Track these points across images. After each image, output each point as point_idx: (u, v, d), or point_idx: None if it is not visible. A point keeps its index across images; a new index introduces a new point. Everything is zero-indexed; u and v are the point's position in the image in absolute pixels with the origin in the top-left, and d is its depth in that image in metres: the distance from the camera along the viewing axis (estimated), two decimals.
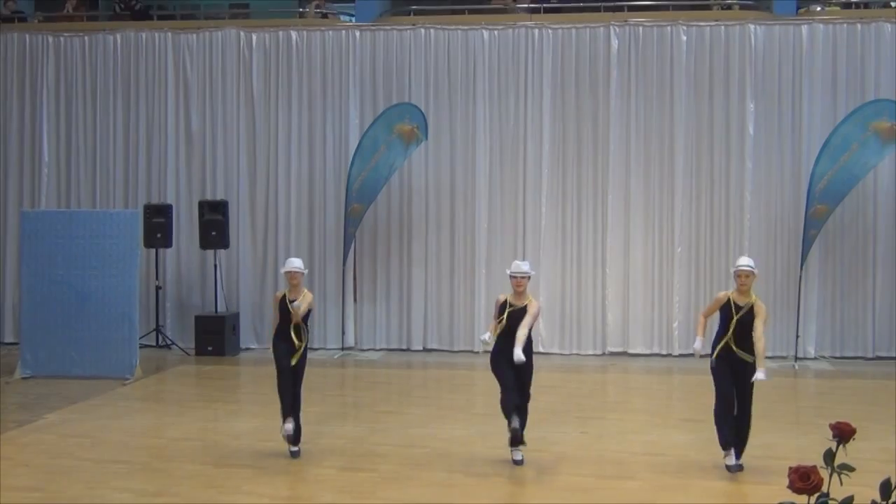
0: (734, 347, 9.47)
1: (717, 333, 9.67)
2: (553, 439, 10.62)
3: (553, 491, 9.10)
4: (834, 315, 16.26)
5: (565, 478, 9.48)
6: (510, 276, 9.94)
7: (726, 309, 9.61)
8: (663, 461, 10.00)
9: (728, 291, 9.82)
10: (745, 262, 9.84)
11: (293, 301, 10.15)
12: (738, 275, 9.64)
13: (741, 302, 9.57)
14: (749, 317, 9.49)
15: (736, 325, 9.47)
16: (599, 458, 10.24)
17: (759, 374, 9.28)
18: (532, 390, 9.95)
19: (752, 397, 9.57)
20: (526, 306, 9.76)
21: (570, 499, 8.84)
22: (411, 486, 9.23)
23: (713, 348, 9.64)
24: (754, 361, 9.38)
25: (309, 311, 10.32)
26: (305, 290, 10.36)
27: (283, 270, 10.55)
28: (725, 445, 9.56)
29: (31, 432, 11.25)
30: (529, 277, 9.95)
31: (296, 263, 10.39)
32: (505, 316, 9.73)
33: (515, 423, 9.57)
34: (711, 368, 9.62)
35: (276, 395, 10.21)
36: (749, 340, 9.45)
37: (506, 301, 9.84)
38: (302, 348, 10.18)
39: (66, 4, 18.71)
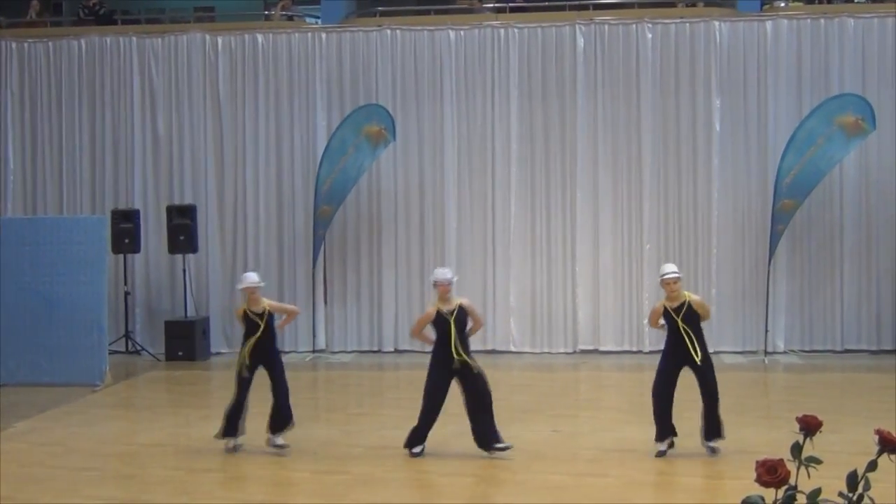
0: (686, 346, 9.74)
1: (667, 339, 10.04)
2: (526, 438, 10.62)
3: (527, 490, 9.11)
4: (802, 309, 16.34)
5: (539, 476, 9.49)
6: (436, 284, 10.20)
7: (668, 316, 9.92)
8: (636, 458, 10.02)
9: (661, 301, 10.16)
10: (669, 269, 10.19)
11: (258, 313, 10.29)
12: (666, 283, 9.99)
13: (675, 304, 9.86)
14: (690, 313, 9.81)
15: (681, 326, 9.76)
16: (573, 456, 10.28)
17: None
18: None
19: (714, 380, 9.87)
20: (461, 305, 10.06)
21: (544, 497, 8.85)
22: (384, 488, 9.23)
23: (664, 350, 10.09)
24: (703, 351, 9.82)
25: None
26: (265, 301, 10.50)
27: (239, 287, 10.61)
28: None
29: (1, 441, 11.16)
30: (452, 283, 10.23)
31: (252, 278, 10.52)
32: (452, 321, 9.88)
33: (418, 449, 10.02)
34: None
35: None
36: (698, 334, 9.85)
37: (438, 310, 10.02)
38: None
39: (30, 10, 18.57)
